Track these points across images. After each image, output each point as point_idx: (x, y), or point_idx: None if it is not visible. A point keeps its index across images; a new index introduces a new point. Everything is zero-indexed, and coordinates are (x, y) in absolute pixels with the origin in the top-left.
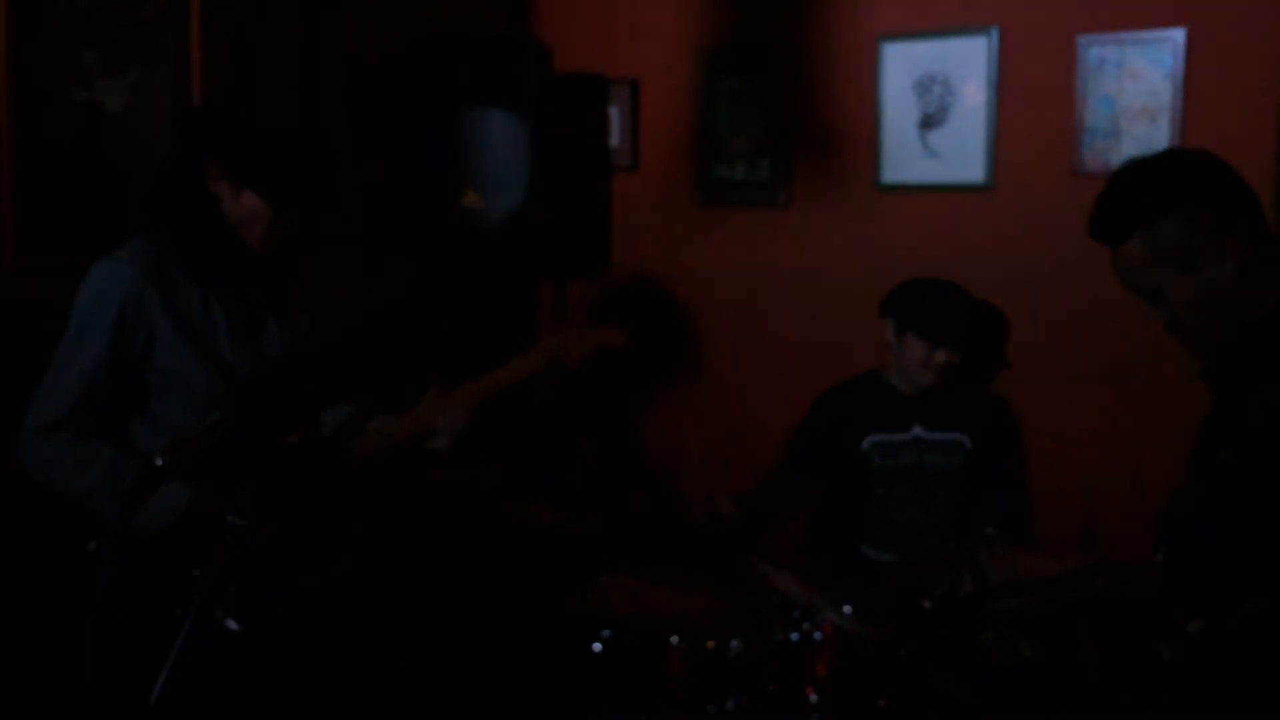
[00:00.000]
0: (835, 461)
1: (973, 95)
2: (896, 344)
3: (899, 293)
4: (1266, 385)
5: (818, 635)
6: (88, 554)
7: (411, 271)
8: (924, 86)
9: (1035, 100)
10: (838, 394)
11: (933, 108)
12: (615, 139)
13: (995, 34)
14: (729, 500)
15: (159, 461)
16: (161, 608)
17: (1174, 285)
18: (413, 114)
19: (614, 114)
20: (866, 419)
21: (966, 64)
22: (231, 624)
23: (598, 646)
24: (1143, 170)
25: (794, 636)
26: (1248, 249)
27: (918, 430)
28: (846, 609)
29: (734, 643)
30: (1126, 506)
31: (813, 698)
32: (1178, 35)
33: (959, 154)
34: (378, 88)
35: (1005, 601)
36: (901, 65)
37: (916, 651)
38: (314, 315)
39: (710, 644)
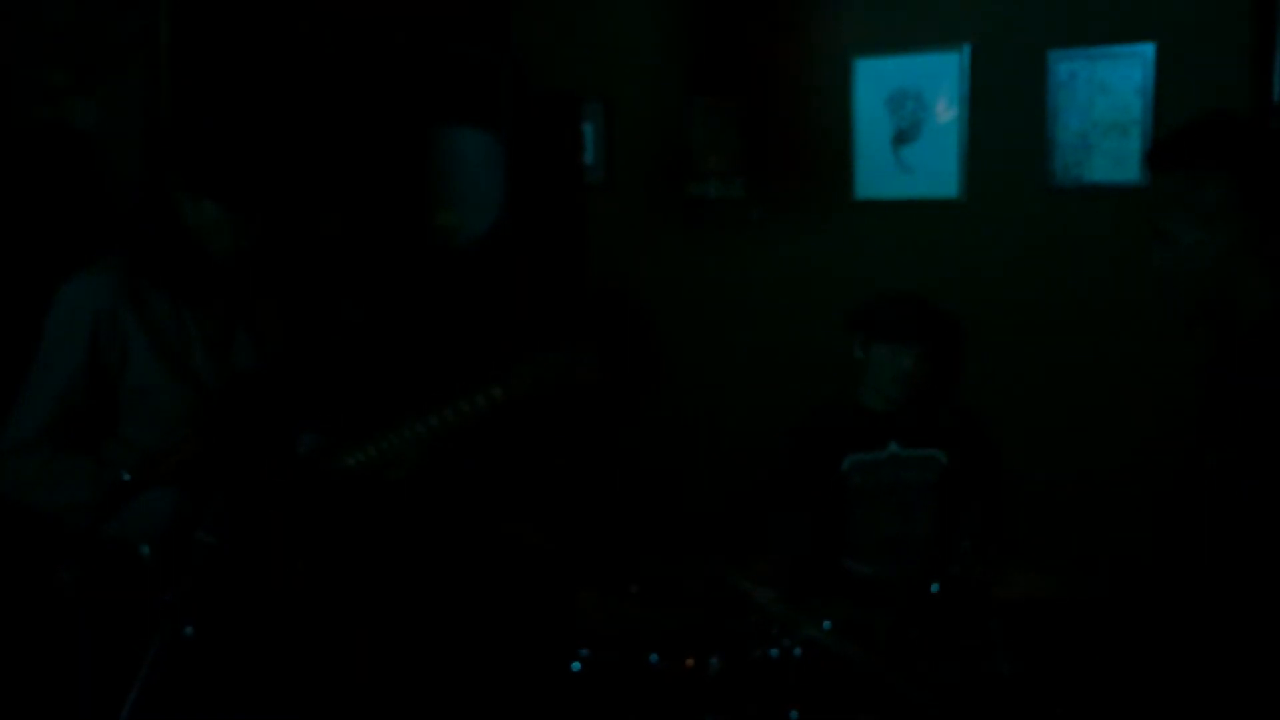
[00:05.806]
0: (817, 484)
1: (945, 111)
2: (865, 357)
3: (862, 308)
4: (1257, 391)
5: (797, 652)
6: (60, 583)
7: (385, 289)
8: (897, 102)
9: (1007, 115)
10: (810, 421)
11: (905, 123)
12: (589, 156)
13: (967, 50)
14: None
15: (126, 477)
16: (133, 627)
17: (1190, 230)
18: (387, 132)
19: (588, 132)
20: (843, 440)
21: (939, 80)
22: (188, 630)
23: (576, 666)
24: (1216, 126)
25: (773, 653)
26: (1265, 229)
27: (894, 447)
28: (826, 625)
29: (713, 660)
30: (1097, 514)
31: (793, 715)
32: (1147, 50)
33: (932, 168)
34: (352, 106)
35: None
36: (874, 81)
37: (926, 634)
38: (287, 333)
39: (689, 662)
